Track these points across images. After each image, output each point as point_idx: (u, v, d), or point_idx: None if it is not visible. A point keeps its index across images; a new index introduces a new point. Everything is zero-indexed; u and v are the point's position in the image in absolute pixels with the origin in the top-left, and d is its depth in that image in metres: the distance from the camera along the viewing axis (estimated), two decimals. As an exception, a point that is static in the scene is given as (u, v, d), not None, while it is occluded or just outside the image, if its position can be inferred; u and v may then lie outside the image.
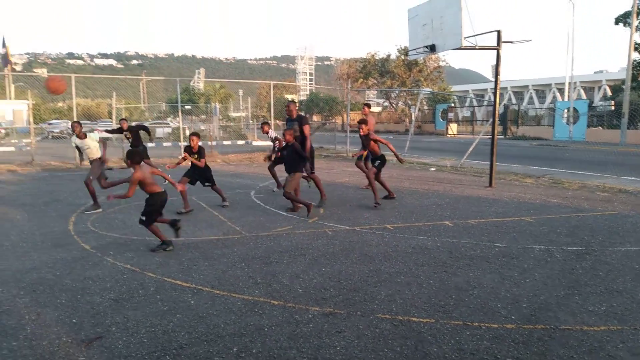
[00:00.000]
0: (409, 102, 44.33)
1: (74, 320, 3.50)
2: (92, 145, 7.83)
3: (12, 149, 17.14)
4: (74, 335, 3.25)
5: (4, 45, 50.31)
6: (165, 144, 19.15)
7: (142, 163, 5.21)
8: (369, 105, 10.59)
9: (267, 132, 9.88)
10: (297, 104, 10.93)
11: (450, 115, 39.93)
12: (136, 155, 5.18)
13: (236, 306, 3.75)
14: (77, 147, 7.98)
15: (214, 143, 19.13)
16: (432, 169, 13.72)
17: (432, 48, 10.14)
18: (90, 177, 7.58)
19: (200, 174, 7.81)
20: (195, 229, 6.37)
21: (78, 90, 15.54)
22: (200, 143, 7.86)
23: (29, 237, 5.96)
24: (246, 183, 10.50)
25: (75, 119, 11.33)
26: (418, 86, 41.11)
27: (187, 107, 26.31)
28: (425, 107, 43.84)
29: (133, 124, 13.24)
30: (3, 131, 26.85)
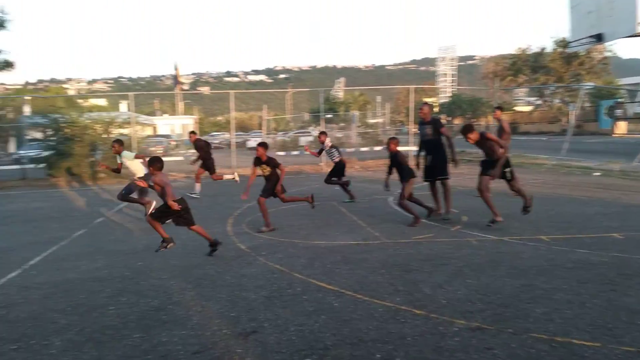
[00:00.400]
0: (567, 99, 39.96)
1: (232, 314, 3.85)
2: (128, 163, 8.05)
3: (180, 158, 19.73)
4: (233, 328, 3.58)
5: (176, 68, 58.14)
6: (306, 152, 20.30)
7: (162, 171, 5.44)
8: (500, 108, 9.91)
9: (323, 142, 9.79)
10: (437, 107, 10.62)
11: (618, 112, 34.90)
12: (157, 161, 5.44)
13: (378, 312, 3.76)
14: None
15: (352, 150, 19.57)
16: (596, 174, 12.13)
17: (599, 37, 9.03)
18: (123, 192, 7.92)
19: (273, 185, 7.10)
20: (336, 233, 6.57)
21: (234, 105, 17.24)
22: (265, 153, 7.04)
23: (195, 237, 6.76)
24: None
25: (231, 131, 12.44)
26: (578, 81, 36.88)
27: (328, 115, 27.44)
28: (587, 104, 39.08)
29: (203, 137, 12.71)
30: (173, 143, 30.98)
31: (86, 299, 4.35)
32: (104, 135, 16.09)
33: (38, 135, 17.84)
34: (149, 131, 39.52)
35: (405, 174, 7.01)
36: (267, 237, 6.50)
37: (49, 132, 16.47)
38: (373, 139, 26.00)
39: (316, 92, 20.07)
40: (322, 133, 10.29)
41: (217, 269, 5.11)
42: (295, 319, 3.69)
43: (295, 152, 19.91)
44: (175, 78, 56.83)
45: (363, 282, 4.50)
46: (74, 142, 15.36)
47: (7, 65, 15.97)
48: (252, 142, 27.50)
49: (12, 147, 26.86)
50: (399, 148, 7.25)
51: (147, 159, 5.92)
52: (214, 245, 5.70)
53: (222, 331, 3.53)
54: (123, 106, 44.33)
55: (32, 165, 16.23)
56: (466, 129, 6.63)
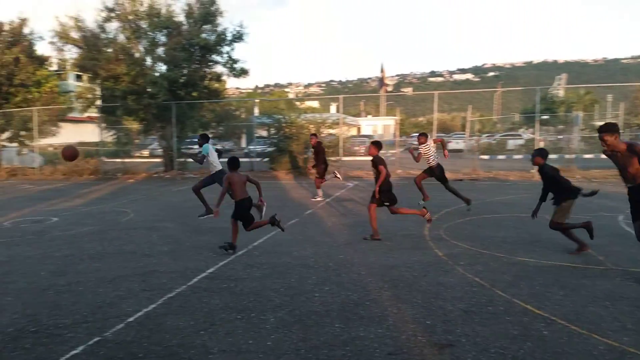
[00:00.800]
0: None
1: (427, 322, 3.79)
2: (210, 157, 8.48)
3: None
4: (428, 337, 3.52)
5: (381, 70, 60.26)
6: (515, 157, 18.59)
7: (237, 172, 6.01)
8: None
9: (423, 144, 8.96)
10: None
11: None
12: (233, 162, 6.04)
13: (598, 350, 3.22)
14: None
15: (573, 156, 17.23)
16: None
17: None
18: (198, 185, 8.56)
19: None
20: (548, 252, 5.87)
21: (437, 106, 16.97)
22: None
23: (392, 237, 6.88)
24: (612, 205, 8.96)
25: (433, 133, 12.26)
26: None
27: (544, 116, 24.70)
28: None
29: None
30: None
31: (296, 282, 4.85)
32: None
33: (264, 133, 20.65)
34: (353, 131, 41.94)
35: (559, 194, 5.80)
36: (466, 247, 6.21)
37: (272, 130, 18.91)
38: (599, 145, 22.47)
39: (530, 90, 18.30)
40: (422, 135, 9.25)
41: (413, 273, 5.10)
42: (496, 340, 3.42)
43: (501, 157, 18.55)
44: (380, 80, 59.07)
45: (580, 312, 3.92)
46: (292, 140, 17.31)
47: (242, 72, 18.80)
48: (454, 144, 26.67)
49: (243, 142, 31.76)
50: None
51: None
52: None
53: (416, 337, 3.51)
54: (333, 108, 48.02)
55: (258, 159, 18.91)
56: (607, 129, 4.73)
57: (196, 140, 10.24)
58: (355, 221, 8.24)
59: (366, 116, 61.83)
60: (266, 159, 18.94)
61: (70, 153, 6.96)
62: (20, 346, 3.49)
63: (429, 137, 9.22)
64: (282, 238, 6.94)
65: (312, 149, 11.39)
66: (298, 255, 5.93)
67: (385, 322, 3.81)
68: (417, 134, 9.65)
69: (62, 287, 4.86)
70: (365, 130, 46.60)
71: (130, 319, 3.96)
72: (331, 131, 18.14)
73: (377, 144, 6.86)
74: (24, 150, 21.47)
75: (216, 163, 8.51)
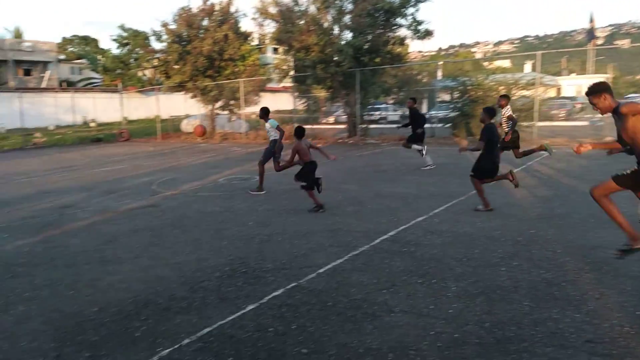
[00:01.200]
0: None
1: (638, 312, 3.28)
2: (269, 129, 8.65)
3: (585, 123, 17.76)
4: (638, 329, 3.05)
5: (591, 20, 51.76)
6: None
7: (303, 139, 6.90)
8: None
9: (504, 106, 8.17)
10: None
11: None
12: (298, 130, 6.94)
13: None
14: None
15: None
16: None
17: None
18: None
19: None
20: None
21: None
22: None
23: (597, 214, 6.02)
24: None
25: None
26: None
27: None
28: None
29: None
30: (579, 106, 28.04)
31: (480, 254, 4.66)
32: (506, 98, 16.31)
33: (446, 97, 19.87)
34: (551, 93, 37.32)
35: None
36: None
37: (456, 94, 18.05)
38: None
39: None
40: (503, 97, 8.49)
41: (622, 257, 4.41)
42: None
43: None
44: (589, 31, 50.69)
45: None
46: (477, 104, 16.28)
47: (427, 34, 18.20)
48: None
49: (424, 107, 31.14)
50: None
51: None
52: None
53: (622, 327, 3.07)
54: (527, 67, 43.37)
55: (440, 125, 18.36)
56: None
57: (378, 106, 10.47)
58: (552, 194, 7.45)
59: (569, 75, 54.27)
60: (448, 125, 18.28)
61: (200, 130, 9.80)
62: (233, 283, 4.15)
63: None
64: (464, 207, 6.70)
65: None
66: (482, 227, 5.67)
67: (584, 306, 3.42)
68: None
69: (265, 237, 5.58)
70: (566, 92, 41.00)
71: (321, 270, 4.36)
72: (525, 93, 16.42)
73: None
74: (232, 118, 24.79)
75: None
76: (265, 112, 8.68)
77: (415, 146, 10.62)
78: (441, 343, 3.00)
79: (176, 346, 3.08)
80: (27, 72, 40.91)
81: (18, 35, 44.41)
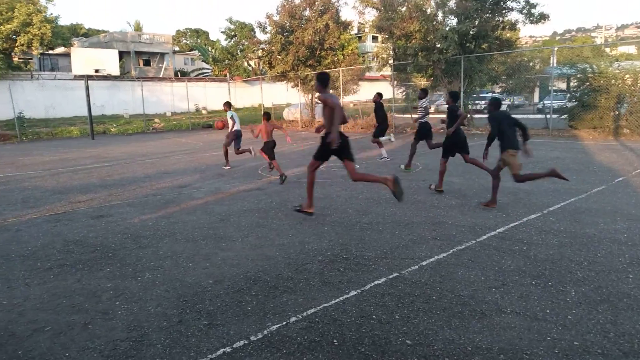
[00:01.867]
0: None
1: None
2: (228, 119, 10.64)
3: None
4: None
5: None
6: None
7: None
8: None
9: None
10: None
11: None
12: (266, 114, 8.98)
13: None
14: None
15: None
16: None
17: None
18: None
19: None
20: None
21: None
22: None
23: None
24: None
25: None
26: None
27: None
28: None
29: None
30: None
31: (603, 258, 4.25)
32: (633, 87, 14.59)
33: (562, 86, 18.25)
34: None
35: None
36: None
37: (574, 82, 16.52)
38: None
39: None
40: (422, 90, 10.33)
41: None
42: None
43: None
44: None
45: None
46: (599, 94, 14.77)
47: (541, 17, 16.80)
48: None
49: (535, 97, 28.89)
50: None
51: None
52: None
53: None
54: (659, 52, 38.34)
55: (555, 116, 16.93)
56: None
57: (483, 95, 10.18)
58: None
59: None
60: (564, 116, 16.83)
61: (220, 125, 9.58)
62: (335, 268, 4.22)
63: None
64: (585, 206, 6.14)
65: None
66: (605, 228, 5.15)
67: None
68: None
69: (366, 225, 5.60)
70: None
71: (424, 263, 4.27)
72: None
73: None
74: (331, 106, 25.09)
75: None
76: (228, 105, 10.85)
77: (383, 138, 11.19)
78: (558, 350, 2.79)
79: (284, 323, 3.22)
80: (147, 63, 44.89)
81: (138, 28, 48.86)
